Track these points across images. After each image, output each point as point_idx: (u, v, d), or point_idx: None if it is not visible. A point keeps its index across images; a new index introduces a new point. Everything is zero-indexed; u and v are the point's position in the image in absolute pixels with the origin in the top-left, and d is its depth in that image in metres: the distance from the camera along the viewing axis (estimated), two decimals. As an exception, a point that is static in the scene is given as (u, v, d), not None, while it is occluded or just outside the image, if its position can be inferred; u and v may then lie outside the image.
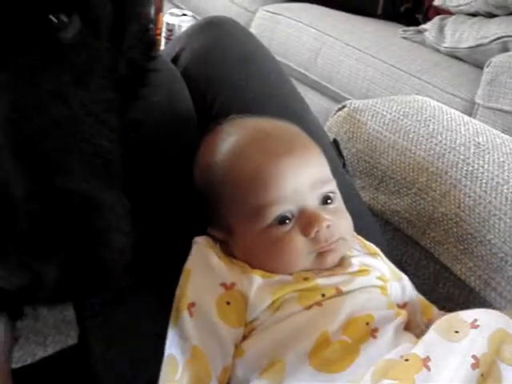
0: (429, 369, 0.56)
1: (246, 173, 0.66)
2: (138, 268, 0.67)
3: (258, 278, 0.64)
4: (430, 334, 0.60)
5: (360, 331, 0.61)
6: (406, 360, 0.58)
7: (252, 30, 2.33)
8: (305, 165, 0.67)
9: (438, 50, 2.00)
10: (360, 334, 0.61)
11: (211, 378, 0.58)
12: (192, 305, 0.62)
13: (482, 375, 0.55)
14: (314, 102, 2.12)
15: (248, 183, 0.65)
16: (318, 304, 0.63)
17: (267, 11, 2.38)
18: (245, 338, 0.62)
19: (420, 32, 2.08)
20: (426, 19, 2.18)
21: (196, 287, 0.63)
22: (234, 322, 0.61)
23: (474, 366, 0.55)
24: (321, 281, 0.65)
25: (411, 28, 2.13)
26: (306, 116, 0.84)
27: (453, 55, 1.96)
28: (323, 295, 0.64)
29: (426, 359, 0.57)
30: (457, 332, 0.59)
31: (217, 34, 0.83)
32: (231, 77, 0.80)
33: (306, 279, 0.65)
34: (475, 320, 0.59)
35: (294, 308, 0.62)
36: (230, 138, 0.69)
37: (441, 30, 2.00)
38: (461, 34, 1.92)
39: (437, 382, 0.55)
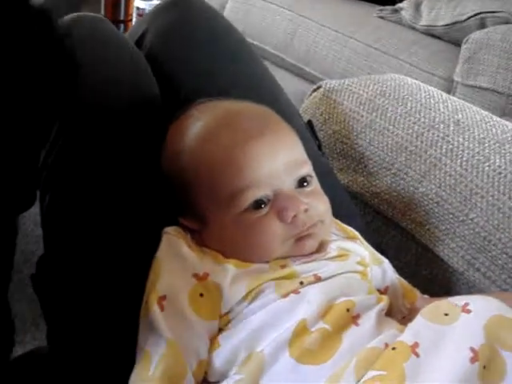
0: (418, 355, 0.53)
1: (216, 157, 0.63)
2: (106, 261, 0.64)
3: (232, 268, 0.61)
4: (418, 320, 0.57)
5: (340, 318, 0.58)
6: (393, 348, 0.54)
7: (226, 13, 2.29)
8: (279, 146, 0.64)
9: (414, 29, 1.99)
10: (341, 321, 0.58)
11: (186, 373, 0.56)
12: (163, 298, 0.59)
13: (484, 367, 0.51)
14: (291, 85, 2.08)
15: (219, 168, 0.62)
16: (295, 292, 0.60)
17: (241, -6, 2.34)
18: (220, 330, 0.59)
19: (396, 11, 2.06)
20: (402, -2, 2.16)
21: (167, 279, 0.60)
22: (208, 315, 0.59)
23: (473, 360, 0.51)
24: (299, 268, 0.62)
25: (387, 7, 2.11)
26: (278, 97, 0.81)
27: (430, 33, 1.94)
28: (301, 283, 0.61)
29: (415, 345, 0.53)
30: (446, 315, 0.55)
31: (182, 12, 0.79)
32: (198, 57, 0.77)
33: (282, 267, 0.62)
34: (466, 304, 0.56)
35: (270, 297, 0.60)
36: (199, 123, 0.66)
37: (417, 8, 1.98)
38: (437, 11, 1.90)
39: (429, 371, 0.51)
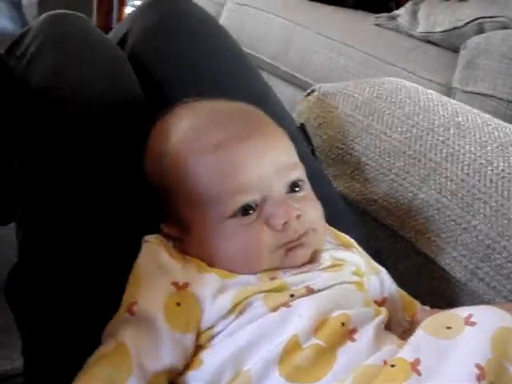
0: (419, 373, 0.49)
1: (201, 158, 0.59)
2: (83, 271, 0.61)
3: (216, 278, 0.57)
4: (418, 334, 0.53)
5: (335, 333, 0.55)
6: (392, 366, 0.51)
7: (221, 22, 2.26)
8: (269, 149, 0.60)
9: (411, 36, 1.96)
10: (335, 336, 0.54)
11: (128, 377, 0.51)
12: (134, 303, 0.56)
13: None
14: (286, 93, 2.07)
15: (204, 170, 0.59)
16: (286, 305, 0.56)
17: (236, 3, 2.34)
18: (201, 347, 0.55)
19: (393, 18, 2.04)
20: (399, 6, 2.14)
21: (144, 286, 0.57)
22: (182, 327, 0.55)
23: (480, 378, 0.47)
24: (289, 279, 0.59)
25: (384, 14, 2.09)
26: (267, 97, 0.78)
27: (427, 40, 1.92)
28: (292, 295, 0.57)
29: (415, 362, 0.50)
30: (449, 328, 0.52)
31: (167, 9, 0.76)
32: (183, 55, 0.74)
33: (272, 278, 0.59)
34: (470, 315, 0.52)
35: (259, 311, 0.56)
36: (183, 122, 0.62)
37: (414, 14, 1.96)
38: (435, 18, 1.88)
39: None
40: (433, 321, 0.54)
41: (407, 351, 0.51)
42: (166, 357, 0.53)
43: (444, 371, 0.49)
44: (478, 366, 0.47)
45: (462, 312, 0.53)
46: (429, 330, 0.53)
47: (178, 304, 0.55)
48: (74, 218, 0.62)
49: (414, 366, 0.49)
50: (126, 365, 0.52)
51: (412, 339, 0.53)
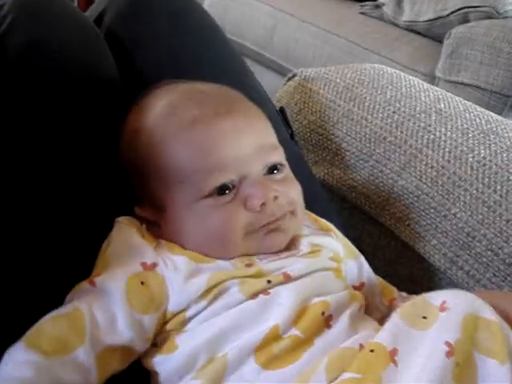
0: (396, 364, 0.49)
1: (177, 134, 0.57)
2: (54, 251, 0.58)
3: (189, 262, 0.56)
4: (395, 321, 0.53)
5: (314, 323, 0.54)
6: (372, 351, 0.50)
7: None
8: (248, 127, 0.59)
9: (396, 25, 1.95)
10: (314, 326, 0.53)
11: (79, 344, 0.49)
12: (96, 275, 0.54)
13: (457, 365, 0.48)
14: (270, 81, 2.04)
15: (180, 146, 0.57)
16: (265, 292, 0.55)
17: (220, -11, 2.29)
18: (175, 331, 0.54)
19: (378, 7, 2.02)
20: (384, -6, 2.12)
21: (111, 263, 0.55)
22: (141, 307, 0.53)
23: (449, 354, 0.48)
24: (265, 266, 0.57)
25: (369, 3, 2.07)
26: (247, 80, 0.76)
27: (412, 29, 1.90)
28: (269, 281, 0.56)
29: (393, 352, 0.49)
30: (425, 318, 0.52)
31: None
32: (161, 36, 0.72)
33: (248, 265, 0.57)
34: (444, 302, 0.52)
35: (235, 297, 0.54)
36: (161, 101, 0.61)
37: (399, 3, 1.94)
38: (419, 7, 1.86)
39: (406, 381, 0.47)
40: (409, 308, 0.54)
41: (384, 336, 0.51)
42: (123, 334, 0.52)
43: (418, 356, 0.49)
44: (447, 344, 0.48)
45: (437, 298, 0.53)
46: (406, 319, 0.52)
47: (142, 283, 0.54)
48: (44, 200, 0.60)
49: (392, 355, 0.49)
50: (80, 330, 0.50)
51: (388, 325, 0.53)
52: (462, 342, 0.49)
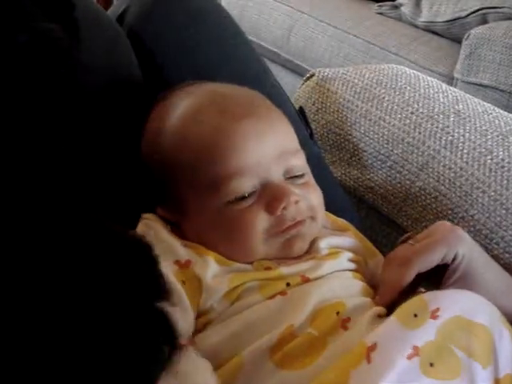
0: (369, 360, 0.49)
1: (200, 139, 0.58)
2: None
3: (213, 262, 0.56)
4: (390, 318, 0.53)
5: (329, 322, 0.54)
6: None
7: (222, 8, 2.25)
8: (269, 132, 0.59)
9: (414, 25, 1.94)
10: (329, 325, 0.54)
11: None
12: None
13: (431, 365, 0.49)
14: (287, 81, 2.05)
15: (203, 151, 0.58)
16: (282, 293, 0.56)
17: (237, -12, 2.29)
18: (198, 331, 0.55)
19: (396, 7, 2.02)
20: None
21: None
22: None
23: (410, 356, 0.49)
24: (285, 270, 0.58)
25: (387, 3, 2.06)
26: (266, 81, 0.77)
27: (430, 30, 1.90)
28: (288, 284, 0.57)
29: (372, 347, 0.50)
30: (415, 316, 0.52)
31: None
32: (182, 34, 0.72)
33: (267, 269, 0.58)
34: (437, 309, 0.52)
35: (254, 298, 0.55)
36: (183, 103, 0.61)
37: (417, 4, 1.94)
38: (438, 7, 1.85)
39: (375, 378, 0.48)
40: (407, 305, 0.54)
41: (370, 334, 0.52)
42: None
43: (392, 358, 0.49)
44: (414, 348, 0.49)
45: (433, 304, 0.53)
46: (400, 316, 0.53)
47: (184, 282, 0.54)
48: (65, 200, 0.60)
49: (369, 351, 0.50)
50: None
51: (384, 322, 0.53)
52: (433, 344, 0.50)
